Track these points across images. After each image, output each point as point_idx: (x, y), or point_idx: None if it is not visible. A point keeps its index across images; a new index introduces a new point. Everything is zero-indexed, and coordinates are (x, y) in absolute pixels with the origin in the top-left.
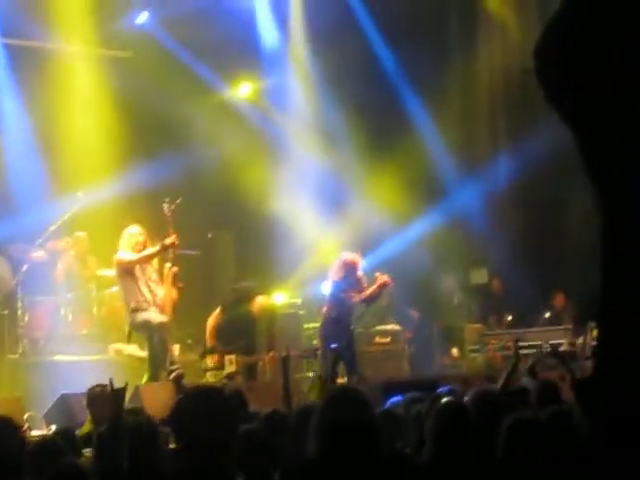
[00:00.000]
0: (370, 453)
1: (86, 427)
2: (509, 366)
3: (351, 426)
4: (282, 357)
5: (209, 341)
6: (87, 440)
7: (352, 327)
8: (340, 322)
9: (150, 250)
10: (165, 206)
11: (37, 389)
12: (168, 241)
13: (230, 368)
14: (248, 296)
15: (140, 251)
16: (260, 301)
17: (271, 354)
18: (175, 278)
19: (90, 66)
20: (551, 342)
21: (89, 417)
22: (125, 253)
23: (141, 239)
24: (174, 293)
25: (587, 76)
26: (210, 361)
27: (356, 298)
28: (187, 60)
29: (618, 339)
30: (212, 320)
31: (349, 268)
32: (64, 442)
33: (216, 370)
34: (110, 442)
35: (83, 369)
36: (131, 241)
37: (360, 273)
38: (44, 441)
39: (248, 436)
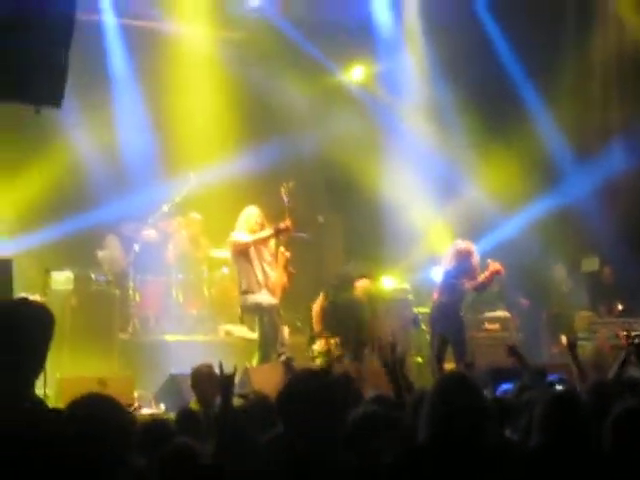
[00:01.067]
0: (479, 440)
1: (192, 407)
2: (622, 356)
3: (462, 413)
4: (390, 343)
5: (315, 326)
6: (193, 420)
7: (462, 313)
8: (450, 307)
9: (264, 233)
10: (283, 189)
11: (147, 368)
12: (282, 225)
13: (337, 352)
14: (351, 280)
15: (257, 232)
16: (362, 284)
17: (376, 337)
18: (287, 262)
19: (203, 47)
20: None
21: (194, 398)
22: (240, 234)
23: (260, 220)
24: (285, 278)
25: None
26: (317, 346)
27: (468, 285)
28: (300, 42)
29: None
30: (317, 305)
31: (463, 256)
32: (181, 423)
33: (323, 355)
34: (220, 427)
35: (193, 349)
36: (250, 221)
37: (474, 261)
38: (155, 421)
39: (362, 419)
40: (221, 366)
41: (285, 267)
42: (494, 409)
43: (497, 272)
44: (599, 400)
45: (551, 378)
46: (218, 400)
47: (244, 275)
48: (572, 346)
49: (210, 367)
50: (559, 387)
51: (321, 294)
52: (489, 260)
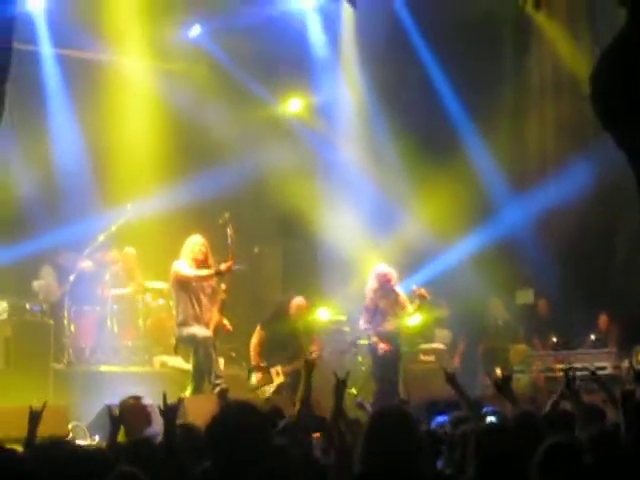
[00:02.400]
0: (412, 474)
1: (120, 438)
2: (558, 390)
3: (395, 447)
4: (305, 362)
5: (253, 359)
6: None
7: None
8: (389, 358)
9: (205, 272)
10: (228, 229)
11: (82, 399)
12: (223, 267)
13: (278, 380)
14: (286, 309)
15: (201, 261)
16: (296, 302)
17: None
18: (222, 305)
19: (142, 78)
20: (595, 365)
21: (123, 428)
22: (184, 266)
23: (204, 249)
24: (218, 317)
25: None
26: (256, 379)
27: (390, 326)
28: (238, 74)
29: None
30: (254, 338)
31: (382, 280)
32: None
33: (263, 387)
34: (164, 457)
35: (128, 380)
36: (194, 250)
37: (396, 288)
38: (96, 452)
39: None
40: (165, 397)
41: (219, 309)
42: (427, 442)
43: (421, 297)
44: (530, 433)
45: (486, 410)
46: (146, 431)
47: (182, 307)
48: (506, 380)
49: (137, 399)
50: (492, 419)
51: (258, 326)
52: (414, 286)
